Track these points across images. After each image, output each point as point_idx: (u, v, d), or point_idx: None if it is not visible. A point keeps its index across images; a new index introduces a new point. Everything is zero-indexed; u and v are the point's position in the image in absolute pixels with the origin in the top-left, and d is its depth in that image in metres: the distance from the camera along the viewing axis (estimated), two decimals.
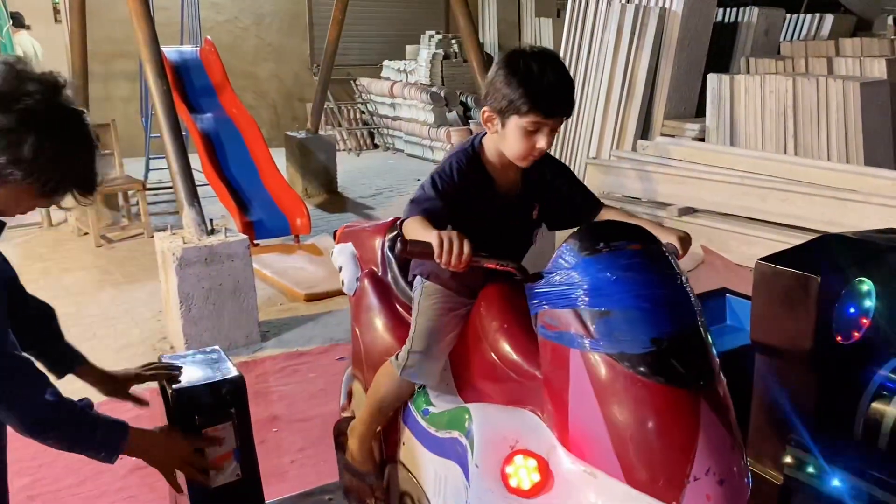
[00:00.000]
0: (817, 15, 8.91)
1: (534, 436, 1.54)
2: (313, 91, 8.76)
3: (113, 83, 9.88)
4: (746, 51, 8.18)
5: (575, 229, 1.57)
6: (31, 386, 1.50)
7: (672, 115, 7.64)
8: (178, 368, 1.86)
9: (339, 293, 3.66)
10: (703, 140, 7.10)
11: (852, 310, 1.81)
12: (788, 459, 1.86)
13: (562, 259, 1.52)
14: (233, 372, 1.86)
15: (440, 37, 11.10)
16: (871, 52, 7.45)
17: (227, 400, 1.80)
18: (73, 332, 4.63)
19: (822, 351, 1.77)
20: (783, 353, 1.84)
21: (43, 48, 8.78)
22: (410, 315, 1.93)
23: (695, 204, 5.92)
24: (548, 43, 11.38)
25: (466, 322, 1.84)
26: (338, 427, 2.25)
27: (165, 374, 1.85)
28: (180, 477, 1.76)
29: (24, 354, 1.58)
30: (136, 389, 1.88)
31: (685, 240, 1.77)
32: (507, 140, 1.71)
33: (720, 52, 8.11)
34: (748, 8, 8.35)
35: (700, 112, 7.54)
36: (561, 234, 2.00)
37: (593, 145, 7.97)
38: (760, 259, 1.87)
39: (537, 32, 11.71)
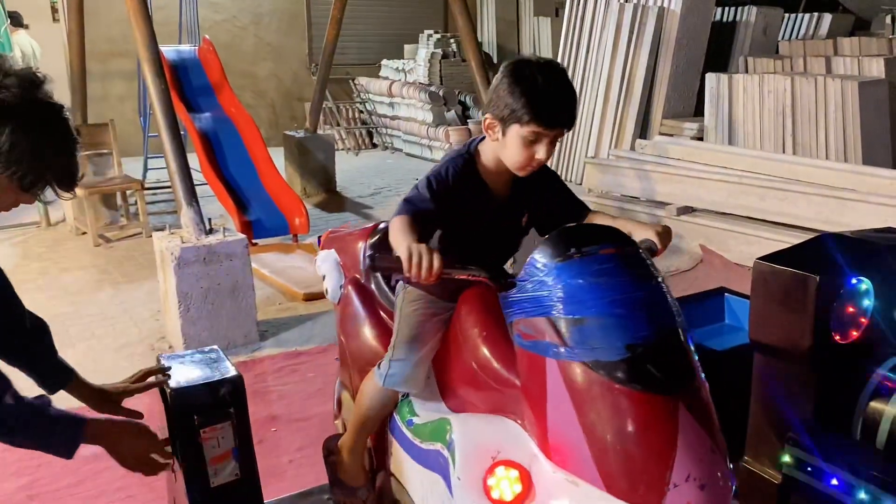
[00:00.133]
0: (815, 14, 8.93)
1: (515, 445, 1.53)
2: (312, 90, 8.75)
3: (111, 82, 9.87)
4: (745, 50, 8.19)
5: (547, 236, 1.56)
6: None
7: (670, 115, 7.65)
8: (168, 370, 1.85)
9: None
10: (701, 139, 7.11)
11: (850, 309, 1.81)
12: (787, 458, 1.87)
13: (534, 266, 1.51)
14: (231, 372, 1.86)
15: (439, 36, 11.10)
16: (869, 51, 7.46)
17: (225, 400, 1.80)
18: (72, 332, 4.62)
19: (820, 350, 1.77)
20: (782, 352, 1.84)
21: (41, 47, 8.77)
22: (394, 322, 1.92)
23: (693, 203, 5.92)
24: (546, 42, 11.39)
25: (449, 327, 1.83)
26: (327, 446, 2.22)
27: (156, 383, 1.85)
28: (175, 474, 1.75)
29: None
30: (129, 401, 1.87)
31: (664, 234, 1.77)
32: (506, 148, 1.71)
33: (719, 51, 8.12)
34: (746, 7, 8.36)
35: (698, 111, 7.55)
36: None
37: (592, 144, 7.97)
38: (759, 258, 1.87)
39: (536, 31, 11.71)
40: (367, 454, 2.08)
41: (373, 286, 2.18)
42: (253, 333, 4.17)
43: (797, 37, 8.87)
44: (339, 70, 10.06)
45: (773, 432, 1.90)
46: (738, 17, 8.41)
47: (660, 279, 1.51)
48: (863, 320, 1.84)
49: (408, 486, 1.84)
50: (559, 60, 8.58)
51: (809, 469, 1.82)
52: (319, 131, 8.54)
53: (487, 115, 1.72)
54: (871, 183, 5.07)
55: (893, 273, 1.89)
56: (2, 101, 1.41)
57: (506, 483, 1.49)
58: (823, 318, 1.75)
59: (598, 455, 1.35)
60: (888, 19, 8.42)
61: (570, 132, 7.83)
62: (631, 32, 7.60)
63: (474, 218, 1.79)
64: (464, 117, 10.04)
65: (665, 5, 7.53)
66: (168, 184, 4.71)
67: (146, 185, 6.86)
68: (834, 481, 1.77)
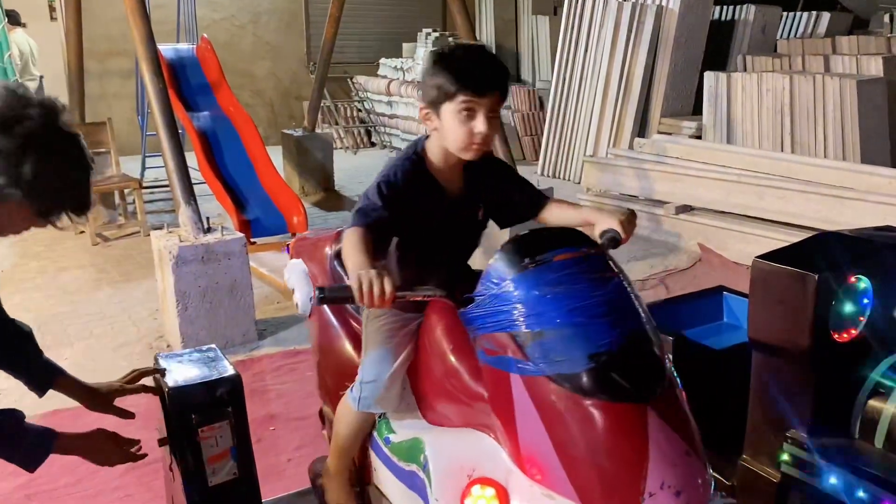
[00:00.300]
0: (814, 13, 8.93)
1: (490, 461, 1.50)
2: (310, 89, 8.74)
3: (109, 81, 9.85)
4: (743, 48, 8.19)
5: (500, 247, 1.52)
6: None
7: (669, 113, 7.65)
8: (162, 370, 1.86)
9: None
10: (699, 138, 7.11)
11: (849, 307, 1.81)
12: (785, 457, 1.87)
13: (489, 280, 1.48)
14: (229, 371, 1.85)
15: (437, 35, 11.07)
16: (867, 49, 7.47)
17: (223, 399, 1.80)
18: (70, 331, 4.62)
19: (818, 348, 1.77)
20: (780, 350, 1.84)
21: (39, 46, 8.75)
22: None
23: (692, 202, 5.92)
24: (544, 41, 11.38)
25: (419, 337, 1.78)
26: (314, 469, 2.19)
27: (149, 388, 1.86)
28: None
29: None
30: (121, 400, 1.87)
31: (626, 222, 1.72)
32: (445, 132, 1.68)
33: (717, 49, 8.12)
34: (745, 6, 8.36)
35: (697, 110, 7.56)
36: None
37: (590, 143, 7.97)
38: (758, 257, 1.87)
39: (534, 30, 11.70)
40: (355, 471, 2.03)
41: None
42: (251, 332, 4.16)
43: (796, 35, 8.88)
44: (337, 69, 10.05)
45: (771, 431, 1.90)
46: (736, 16, 8.42)
47: (621, 278, 1.47)
48: (861, 319, 1.84)
49: (392, 502, 1.82)
50: (557, 59, 8.61)
51: (808, 467, 1.82)
52: (318, 130, 8.53)
53: (420, 105, 1.71)
54: (869, 181, 5.07)
55: (892, 271, 1.89)
56: (27, 131, 1.44)
57: (482, 502, 1.46)
58: (822, 317, 1.75)
59: (571, 469, 1.32)
60: (886, 18, 8.42)
61: (568, 130, 7.73)
62: (629, 31, 7.60)
63: (429, 217, 1.77)
64: None
65: (663, 4, 7.53)
66: (166, 183, 4.70)
67: (144, 184, 6.84)
68: (832, 479, 1.77)
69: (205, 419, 1.77)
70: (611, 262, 1.50)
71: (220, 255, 3.99)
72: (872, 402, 1.82)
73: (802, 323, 1.75)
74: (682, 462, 1.31)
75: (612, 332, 1.37)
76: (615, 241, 1.68)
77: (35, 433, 1.61)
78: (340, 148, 10.62)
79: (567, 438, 1.33)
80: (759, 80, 6.68)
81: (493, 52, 1.71)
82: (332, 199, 7.85)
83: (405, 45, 11.51)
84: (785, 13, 8.88)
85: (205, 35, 7.61)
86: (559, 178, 8.29)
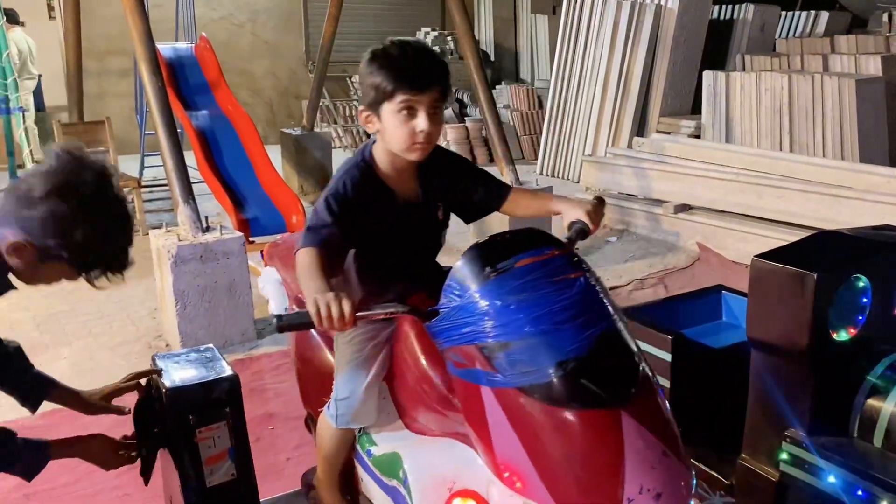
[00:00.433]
0: (813, 12, 8.94)
1: (470, 472, 1.47)
2: (309, 88, 8.74)
3: (108, 80, 9.84)
4: (742, 48, 8.20)
5: (462, 255, 1.47)
6: None
7: (668, 112, 7.65)
8: (159, 372, 1.86)
9: None
10: (698, 137, 7.11)
11: (848, 306, 1.81)
12: (784, 455, 1.87)
13: (452, 292, 1.44)
14: (227, 371, 1.85)
15: (436, 34, 11.08)
16: (866, 49, 7.47)
17: (221, 399, 1.79)
18: (68, 330, 4.61)
19: (817, 347, 1.77)
20: (779, 349, 1.84)
21: (37, 45, 8.74)
22: None
23: (690, 201, 5.92)
24: (543, 40, 11.38)
25: (394, 346, 1.75)
26: (305, 481, 2.17)
27: (143, 386, 1.88)
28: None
29: None
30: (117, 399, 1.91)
31: (594, 211, 1.68)
32: (388, 133, 1.63)
33: (716, 49, 8.12)
34: (744, 5, 8.37)
35: (696, 109, 7.56)
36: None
37: (589, 142, 7.97)
38: (757, 256, 1.87)
39: (533, 29, 11.70)
40: (345, 481, 2.01)
41: None
42: (250, 331, 4.16)
43: (794, 35, 8.88)
44: (336, 68, 10.02)
45: (770, 430, 1.90)
46: (735, 15, 8.42)
47: (587, 277, 1.43)
48: (860, 318, 1.84)
49: None
50: (556, 58, 8.60)
51: (807, 466, 1.82)
52: (316, 129, 8.53)
53: (360, 108, 1.66)
54: (867, 181, 5.08)
55: (891, 271, 1.89)
56: (83, 198, 1.51)
57: None
58: (821, 316, 1.75)
59: (547, 478, 1.30)
60: (885, 17, 8.42)
61: (567, 129, 7.72)
62: (628, 30, 7.60)
63: (385, 225, 1.71)
64: (461, 115, 10.03)
65: (662, 3, 7.52)
66: (165, 182, 4.70)
67: (143, 183, 6.83)
68: (831, 478, 1.77)
69: (202, 420, 1.77)
70: (576, 262, 1.46)
71: (219, 255, 3.99)
72: (871, 402, 1.82)
73: (801, 322, 1.75)
74: (660, 464, 1.29)
75: (579, 338, 1.33)
76: (583, 233, 1.65)
77: (31, 447, 1.64)
78: (339, 147, 10.61)
79: (542, 449, 1.31)
80: (757, 79, 6.68)
81: (432, 47, 1.68)
82: None
83: None
84: (784, 12, 8.89)
85: (203, 34, 7.60)
86: (558, 177, 8.29)
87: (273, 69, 11.54)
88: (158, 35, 4.78)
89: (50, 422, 2.77)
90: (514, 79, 11.75)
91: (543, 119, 8.83)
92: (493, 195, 1.85)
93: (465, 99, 10.26)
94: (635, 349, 1.41)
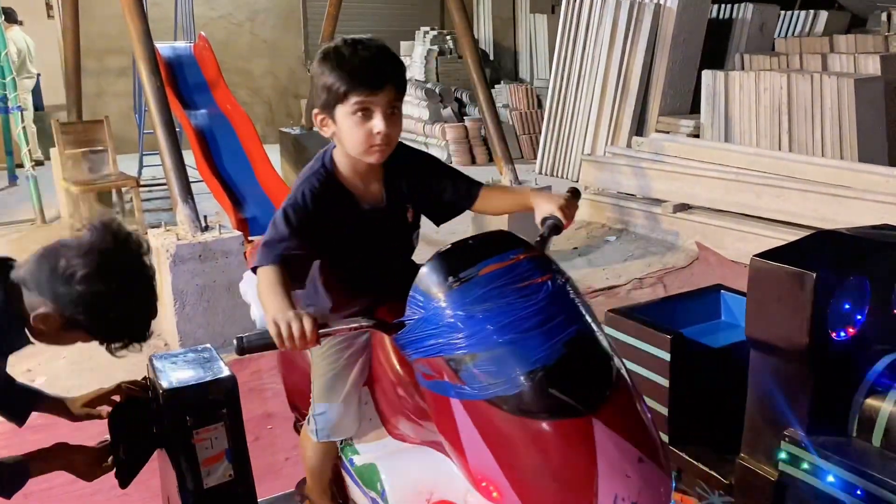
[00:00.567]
0: (811, 11, 8.94)
1: (448, 482, 1.44)
2: (307, 87, 8.73)
3: (106, 79, 9.83)
4: (741, 47, 8.20)
5: (425, 263, 1.43)
6: None
7: (667, 112, 7.65)
8: (145, 380, 1.88)
9: None
10: (697, 136, 7.11)
11: (847, 306, 1.81)
12: (783, 455, 1.87)
13: (416, 303, 1.40)
14: (225, 372, 1.84)
15: (435, 33, 11.06)
16: (865, 48, 7.47)
17: (218, 401, 1.78)
18: None
19: (816, 347, 1.76)
20: (778, 349, 1.84)
21: (36, 44, 8.73)
22: None
23: (689, 200, 5.92)
24: (542, 39, 11.37)
25: (371, 351, 1.72)
26: (299, 490, 2.15)
27: (124, 391, 1.89)
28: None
29: None
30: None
31: (567, 206, 1.62)
32: (344, 136, 1.58)
33: (715, 48, 8.12)
34: (743, 4, 8.37)
35: (695, 108, 7.56)
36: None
37: (588, 141, 7.97)
38: (756, 255, 1.86)
39: (532, 28, 11.69)
40: (336, 487, 2.00)
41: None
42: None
43: (793, 34, 8.88)
44: None
45: (769, 429, 1.90)
46: (734, 15, 8.42)
47: (555, 280, 1.38)
48: (859, 317, 1.84)
49: None
50: (555, 58, 8.60)
51: (806, 466, 1.82)
52: (315, 128, 8.52)
53: (315, 110, 1.61)
54: (866, 180, 5.08)
55: (890, 270, 1.89)
56: (122, 278, 1.55)
57: None
58: (820, 315, 1.75)
59: (521, 491, 1.27)
60: (884, 17, 8.42)
61: (566, 129, 7.71)
62: (627, 29, 7.60)
63: (349, 233, 1.65)
64: (460, 114, 10.03)
65: (661, 2, 7.52)
66: (163, 181, 4.69)
67: (142, 183, 6.82)
68: (830, 478, 1.77)
69: (200, 421, 1.76)
70: (543, 264, 1.41)
71: (218, 254, 3.98)
72: (870, 401, 1.81)
73: (800, 321, 1.75)
74: (635, 471, 1.25)
75: (546, 344, 1.29)
76: (557, 229, 1.60)
77: (9, 465, 1.65)
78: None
79: (513, 460, 1.27)
80: (756, 78, 6.68)
81: (387, 46, 1.59)
82: None
83: (403, 44, 11.50)
84: (783, 12, 8.89)
85: (202, 33, 7.59)
86: (557, 176, 8.28)
87: (272, 68, 11.54)
88: (157, 34, 4.78)
89: (49, 420, 2.76)
90: (514, 78, 11.74)
91: (542, 118, 8.83)
92: (463, 194, 1.78)
93: (464, 98, 10.25)
94: (609, 350, 1.36)
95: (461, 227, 1.62)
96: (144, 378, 1.90)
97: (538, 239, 1.59)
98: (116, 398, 1.92)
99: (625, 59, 7.65)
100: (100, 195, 6.30)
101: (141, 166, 7.69)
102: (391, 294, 1.50)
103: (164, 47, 6.95)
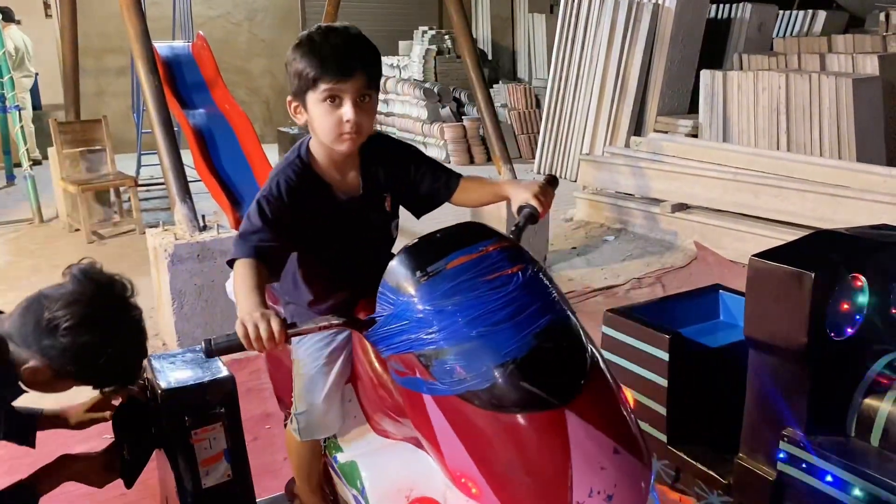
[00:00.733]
0: (810, 11, 8.94)
1: (428, 479, 1.43)
2: None
3: (104, 78, 9.82)
4: (739, 47, 8.20)
5: (394, 258, 1.42)
6: None
7: (665, 112, 7.66)
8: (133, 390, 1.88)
9: None
10: (695, 136, 7.12)
11: (845, 306, 1.81)
12: (782, 455, 1.87)
13: (385, 299, 1.38)
14: (223, 372, 1.84)
15: (433, 32, 11.06)
16: (863, 48, 7.48)
17: (216, 401, 1.78)
18: None
19: (815, 347, 1.76)
20: (777, 348, 1.84)
21: (33, 43, 8.72)
22: None
23: (688, 200, 5.92)
24: (541, 39, 11.37)
25: (353, 348, 1.71)
26: (289, 489, 2.15)
27: (125, 392, 1.89)
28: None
29: None
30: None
31: (542, 194, 1.60)
32: (315, 124, 1.57)
33: (713, 48, 8.12)
34: (741, 4, 8.37)
35: (693, 108, 7.56)
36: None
37: (586, 141, 7.97)
38: (754, 255, 1.86)
39: (530, 28, 11.69)
40: (326, 484, 2.00)
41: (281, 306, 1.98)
42: None
43: (792, 34, 8.89)
44: None
45: (768, 429, 1.90)
46: (732, 14, 8.42)
47: (526, 270, 1.35)
48: (858, 317, 1.84)
49: None
50: (554, 57, 8.60)
51: (804, 466, 1.82)
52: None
53: (289, 99, 1.60)
54: (864, 180, 5.08)
55: (888, 270, 1.89)
56: (108, 327, 1.57)
57: None
58: (819, 315, 1.75)
59: (496, 486, 1.25)
60: (882, 17, 8.43)
61: (564, 129, 7.67)
62: (626, 29, 7.60)
63: (328, 223, 1.63)
64: (458, 114, 10.02)
65: (660, 2, 7.52)
66: (162, 180, 4.69)
67: (140, 182, 6.82)
68: (829, 478, 1.77)
69: (198, 421, 1.76)
70: (514, 255, 1.38)
71: (216, 253, 3.98)
72: (868, 401, 1.81)
73: (799, 321, 1.75)
74: (610, 463, 1.22)
75: (517, 337, 1.26)
76: (533, 217, 1.59)
77: (18, 491, 1.68)
78: None
79: (487, 455, 1.26)
80: (755, 78, 6.68)
81: (360, 33, 1.57)
82: None
83: (401, 44, 11.50)
84: (781, 12, 8.89)
85: (200, 32, 7.59)
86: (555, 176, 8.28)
87: (270, 68, 11.53)
88: (155, 33, 4.77)
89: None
90: (512, 78, 11.74)
91: (541, 118, 8.83)
92: (441, 185, 1.76)
93: (463, 98, 10.25)
94: (583, 340, 1.34)
95: (451, 218, 1.58)
96: (143, 378, 1.90)
97: (513, 228, 1.57)
98: (117, 400, 1.92)
99: (623, 58, 7.65)
100: (98, 195, 6.30)
101: (139, 166, 7.69)
102: (371, 287, 1.49)
103: (162, 46, 6.94)
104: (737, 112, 6.84)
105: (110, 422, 1.90)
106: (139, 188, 6.56)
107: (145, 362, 1.91)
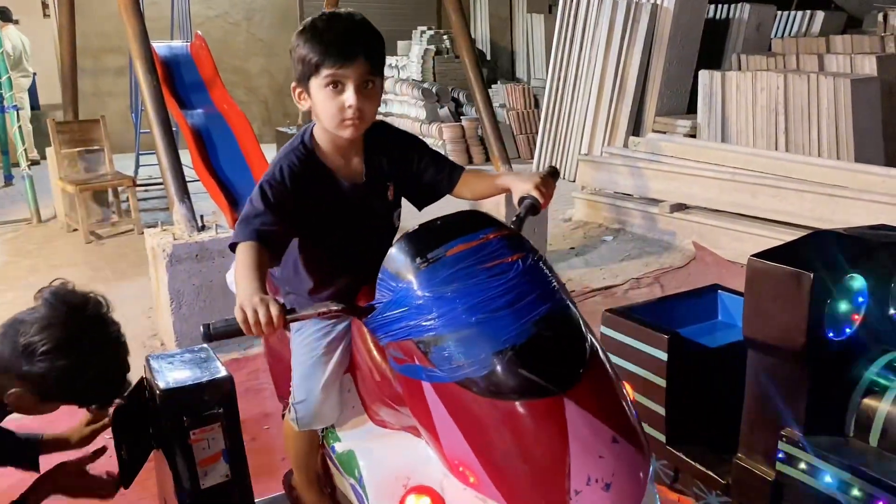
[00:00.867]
0: (808, 12, 8.95)
1: (425, 468, 1.44)
2: None
3: (102, 78, 9.81)
4: (738, 47, 8.20)
5: (393, 245, 1.42)
6: None
7: (663, 112, 7.66)
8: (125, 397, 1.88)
9: None
10: (694, 136, 7.12)
11: (844, 306, 1.81)
12: (780, 455, 1.87)
13: (385, 286, 1.39)
14: (221, 372, 1.83)
15: (432, 32, 11.06)
16: (861, 48, 7.48)
17: (215, 401, 1.78)
18: None
19: (813, 347, 1.76)
20: (775, 349, 1.84)
21: (31, 43, 8.71)
22: None
23: (686, 200, 5.92)
24: (539, 39, 11.37)
25: (352, 339, 1.71)
26: (287, 481, 2.15)
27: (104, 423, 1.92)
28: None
29: None
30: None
31: (543, 185, 1.61)
32: (318, 109, 1.57)
33: (712, 48, 8.13)
34: (739, 4, 8.38)
35: (691, 108, 7.56)
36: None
37: (585, 141, 7.97)
38: (753, 255, 1.86)
39: (529, 28, 11.69)
40: (324, 475, 1.99)
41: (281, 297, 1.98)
42: None
43: (790, 34, 8.89)
44: None
45: (766, 429, 1.90)
46: (731, 15, 8.42)
47: (526, 259, 1.35)
48: (856, 317, 1.84)
49: None
50: (552, 58, 8.60)
51: (803, 466, 1.82)
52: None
53: (293, 85, 1.61)
54: (863, 180, 5.08)
55: (887, 270, 1.89)
56: (84, 349, 1.57)
57: None
58: (817, 315, 1.75)
59: (494, 473, 1.25)
60: (880, 17, 8.44)
61: (563, 129, 7.68)
62: (624, 29, 7.60)
63: (330, 209, 1.64)
64: (457, 114, 10.02)
65: (658, 2, 7.53)
66: (160, 180, 4.68)
67: (138, 182, 6.81)
68: (827, 478, 1.77)
69: (196, 422, 1.75)
70: (514, 243, 1.38)
71: (215, 254, 3.97)
72: (867, 401, 1.82)
73: (797, 321, 1.75)
74: (609, 452, 1.21)
75: (515, 325, 1.26)
76: (534, 208, 1.59)
77: None
78: None
79: (485, 443, 1.25)
80: (753, 78, 6.69)
81: (365, 19, 1.58)
82: None
83: (399, 44, 11.49)
84: (779, 12, 8.89)
85: (199, 32, 7.58)
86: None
87: (268, 67, 11.52)
88: (154, 33, 4.77)
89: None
90: (511, 78, 11.74)
91: (539, 118, 8.83)
92: (443, 176, 1.76)
93: (461, 98, 10.25)
94: (583, 329, 1.34)
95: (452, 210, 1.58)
96: (141, 379, 1.89)
97: (515, 219, 1.57)
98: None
99: (622, 59, 7.65)
100: (96, 195, 6.29)
101: (137, 166, 7.68)
102: (372, 276, 1.49)
103: (160, 46, 6.93)
104: (735, 112, 6.84)
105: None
106: (137, 188, 6.56)
107: (144, 362, 1.91)
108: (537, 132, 8.79)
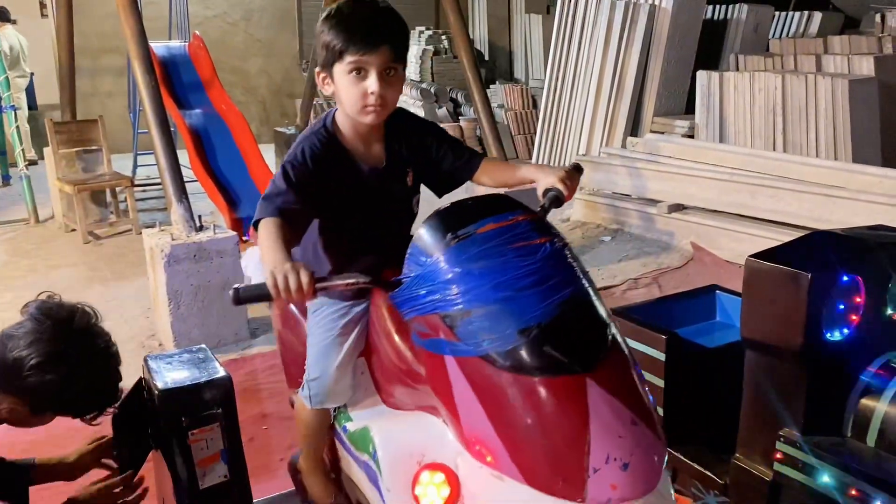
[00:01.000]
0: (806, 12, 8.95)
1: (440, 445, 1.45)
2: (302, 87, 8.72)
3: (101, 78, 9.80)
4: (735, 48, 8.21)
5: (423, 221, 1.45)
6: None
7: (662, 112, 7.66)
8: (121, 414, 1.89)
9: None
10: (692, 137, 7.12)
11: (841, 306, 1.81)
12: (778, 455, 1.87)
13: (415, 261, 1.41)
14: (220, 372, 1.84)
15: (430, 33, 11.06)
16: (859, 49, 7.49)
17: (214, 401, 1.78)
18: None
19: (811, 347, 1.77)
20: (773, 349, 1.84)
21: (29, 43, 8.70)
22: None
23: (684, 200, 5.93)
24: (538, 39, 11.37)
25: (369, 323, 1.73)
26: (292, 465, 2.16)
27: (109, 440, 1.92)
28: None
29: None
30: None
31: (568, 178, 1.64)
32: (341, 95, 1.60)
33: (710, 49, 8.13)
34: (737, 5, 8.38)
35: (689, 109, 7.56)
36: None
37: (583, 142, 7.97)
38: (751, 256, 1.87)
39: (527, 29, 11.69)
40: (331, 460, 2.00)
41: None
42: (244, 331, 4.15)
43: (788, 35, 8.90)
44: None
45: (764, 429, 1.90)
46: (729, 15, 8.43)
47: (554, 243, 1.39)
48: (854, 318, 1.84)
49: (362, 488, 1.79)
50: (551, 58, 8.59)
51: (801, 466, 1.82)
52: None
53: (317, 71, 1.63)
54: (860, 181, 5.09)
55: (884, 271, 1.89)
56: (73, 360, 1.58)
57: (433, 489, 1.43)
58: (815, 316, 1.75)
59: (513, 449, 1.27)
60: (878, 18, 8.45)
61: (561, 129, 7.68)
62: (622, 30, 7.60)
63: (350, 194, 1.66)
64: (455, 114, 10.02)
65: (656, 3, 7.53)
66: (158, 181, 4.68)
67: (136, 182, 6.81)
68: (825, 478, 1.77)
69: (195, 422, 1.76)
70: (542, 227, 1.41)
71: (213, 254, 3.98)
72: (865, 401, 1.82)
73: (795, 322, 1.75)
74: (628, 433, 1.24)
75: (541, 304, 1.29)
76: (558, 200, 1.62)
77: None
78: None
79: (506, 418, 1.27)
80: (751, 79, 6.69)
81: (388, 6, 1.59)
82: None
83: None
84: (777, 13, 8.90)
85: (197, 32, 7.57)
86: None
87: (267, 68, 11.52)
88: (152, 33, 4.77)
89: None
90: (509, 78, 11.74)
91: (538, 118, 8.83)
92: (463, 163, 1.79)
93: (460, 98, 10.25)
94: (604, 315, 1.37)
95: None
96: (140, 379, 1.90)
97: (539, 209, 1.60)
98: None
99: (620, 59, 7.66)
100: (94, 195, 6.29)
101: (135, 166, 7.68)
102: (391, 259, 1.50)
103: (158, 46, 6.93)
104: (733, 113, 6.85)
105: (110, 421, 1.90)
106: (135, 188, 6.55)
107: (142, 362, 1.91)
108: (535, 132, 8.79)
